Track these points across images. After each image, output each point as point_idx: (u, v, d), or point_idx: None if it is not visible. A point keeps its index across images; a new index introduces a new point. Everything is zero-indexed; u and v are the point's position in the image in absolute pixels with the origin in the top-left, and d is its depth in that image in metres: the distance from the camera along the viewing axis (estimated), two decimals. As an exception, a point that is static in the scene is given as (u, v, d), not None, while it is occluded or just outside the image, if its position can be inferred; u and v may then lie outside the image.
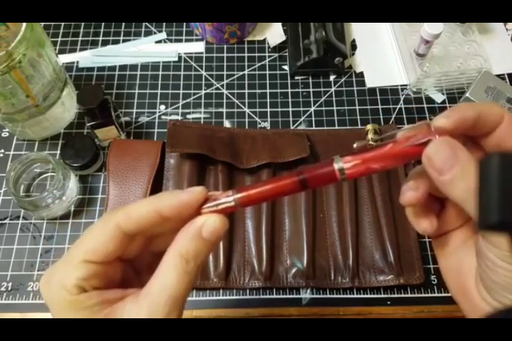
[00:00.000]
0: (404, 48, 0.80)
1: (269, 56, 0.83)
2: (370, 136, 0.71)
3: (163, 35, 0.84)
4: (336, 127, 0.76)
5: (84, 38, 0.84)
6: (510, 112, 0.72)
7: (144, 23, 0.85)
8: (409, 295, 0.64)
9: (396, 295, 0.64)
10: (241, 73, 0.81)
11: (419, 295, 0.64)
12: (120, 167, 0.67)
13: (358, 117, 0.77)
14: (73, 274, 0.32)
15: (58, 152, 0.72)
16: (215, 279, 0.63)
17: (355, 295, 0.64)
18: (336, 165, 0.33)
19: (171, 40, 0.84)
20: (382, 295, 0.64)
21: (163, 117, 0.77)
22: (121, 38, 0.84)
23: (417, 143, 0.33)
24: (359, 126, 0.76)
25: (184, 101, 0.78)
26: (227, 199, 0.34)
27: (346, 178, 0.34)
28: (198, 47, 0.83)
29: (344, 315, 0.63)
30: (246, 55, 0.83)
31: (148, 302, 0.31)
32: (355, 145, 0.35)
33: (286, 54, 0.82)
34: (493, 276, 0.31)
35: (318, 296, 0.64)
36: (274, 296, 0.64)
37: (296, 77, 0.81)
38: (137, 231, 0.33)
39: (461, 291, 0.35)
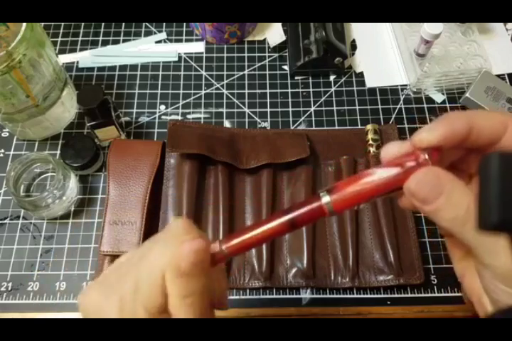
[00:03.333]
0: (404, 48, 0.80)
1: (269, 56, 0.83)
2: (370, 136, 0.71)
3: (163, 35, 0.84)
4: (336, 127, 0.76)
5: (84, 38, 0.84)
6: (511, 112, 0.73)
7: (144, 23, 0.85)
8: (409, 295, 0.64)
9: (396, 295, 0.64)
10: (241, 73, 0.81)
11: (419, 295, 0.64)
12: (120, 167, 0.67)
13: (358, 117, 0.77)
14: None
15: (58, 152, 0.72)
16: (215, 279, 0.63)
17: (355, 295, 0.64)
18: (324, 201, 0.33)
19: (171, 40, 0.84)
20: (382, 295, 0.64)
21: (163, 117, 0.77)
22: (121, 38, 0.84)
23: (403, 172, 0.31)
24: (359, 126, 0.76)
25: (184, 101, 0.78)
26: (215, 249, 0.35)
27: (335, 213, 0.33)
28: (198, 47, 0.83)
29: (344, 315, 0.63)
30: (246, 55, 0.83)
31: None
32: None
33: (286, 54, 0.82)
34: (496, 297, 0.31)
35: (318, 296, 0.64)
36: (274, 296, 0.64)
37: (296, 77, 0.81)
38: None
39: (476, 296, 0.34)
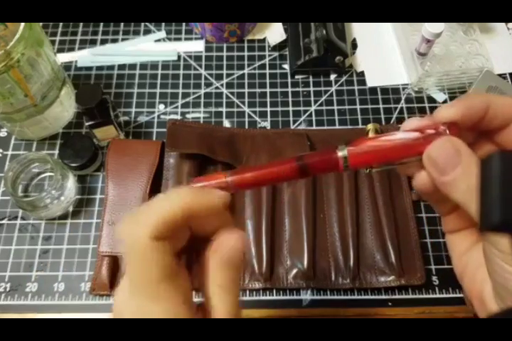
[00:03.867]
0: (405, 47, 0.80)
1: (269, 55, 0.82)
2: (371, 135, 0.71)
3: (162, 34, 0.83)
4: (337, 127, 0.76)
5: (82, 37, 0.83)
6: None
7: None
8: (411, 296, 0.63)
9: (397, 296, 0.63)
10: (241, 72, 0.80)
11: (421, 296, 0.63)
12: (119, 167, 0.67)
13: (359, 117, 0.76)
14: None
15: (57, 152, 0.72)
16: (214, 280, 0.63)
17: (356, 296, 0.63)
18: (340, 153, 0.33)
19: (170, 39, 0.83)
20: (383, 296, 0.63)
21: (162, 117, 0.76)
22: (120, 36, 0.83)
23: (423, 137, 0.32)
24: (360, 126, 0.75)
25: (183, 101, 0.78)
26: (221, 180, 0.34)
27: (348, 168, 0.33)
28: (198, 46, 0.83)
29: (345, 316, 0.62)
30: (246, 54, 0.82)
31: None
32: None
33: (287, 53, 0.82)
34: (503, 282, 0.30)
35: (318, 297, 0.63)
36: (275, 297, 0.63)
37: (297, 76, 0.80)
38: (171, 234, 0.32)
39: (476, 295, 0.34)
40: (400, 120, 0.76)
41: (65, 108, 0.73)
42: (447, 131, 0.32)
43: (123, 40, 0.83)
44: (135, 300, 0.31)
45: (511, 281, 0.30)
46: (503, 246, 0.29)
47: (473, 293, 0.35)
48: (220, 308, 0.33)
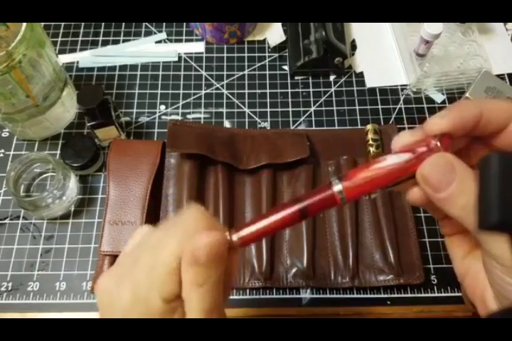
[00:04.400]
0: (404, 48, 0.80)
1: (269, 56, 0.83)
2: (370, 136, 0.71)
3: (163, 35, 0.84)
4: (336, 127, 0.76)
5: (84, 38, 0.84)
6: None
7: (144, 23, 0.85)
8: (409, 295, 0.64)
9: (396, 295, 0.64)
10: (241, 73, 0.81)
11: (419, 295, 0.64)
12: (120, 167, 0.67)
13: (358, 117, 0.77)
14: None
15: (58, 152, 0.72)
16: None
17: (355, 295, 0.64)
18: (336, 189, 0.33)
19: (171, 40, 0.84)
20: (382, 295, 0.64)
21: (163, 117, 0.77)
22: (122, 38, 0.84)
23: (415, 157, 0.31)
24: (359, 126, 0.76)
25: (184, 102, 0.78)
26: (225, 239, 0.34)
27: (346, 201, 0.33)
28: (198, 47, 0.83)
29: (344, 315, 0.63)
30: (246, 55, 0.83)
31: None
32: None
33: (286, 54, 0.82)
34: (503, 292, 0.30)
35: (318, 296, 0.64)
36: (274, 296, 0.64)
37: (296, 77, 0.81)
38: None
39: (479, 296, 0.34)
40: (399, 120, 0.76)
41: (66, 108, 0.73)
42: (439, 145, 0.31)
43: (124, 41, 0.83)
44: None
45: (511, 292, 0.30)
46: (503, 259, 0.29)
47: (475, 294, 0.34)
48: (195, 306, 0.34)
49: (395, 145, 0.33)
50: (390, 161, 0.32)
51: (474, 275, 0.34)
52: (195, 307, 0.33)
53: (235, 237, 0.34)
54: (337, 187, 0.33)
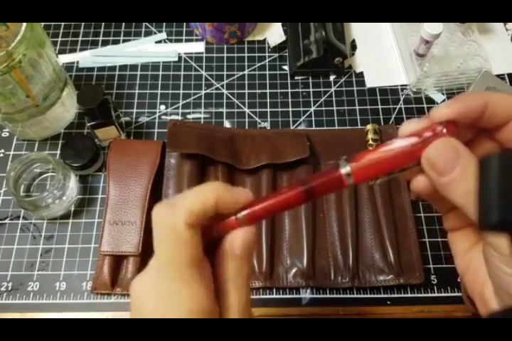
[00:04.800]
0: (404, 48, 0.80)
1: (269, 56, 0.83)
2: (370, 136, 0.71)
3: (163, 35, 0.84)
4: (336, 127, 0.76)
5: (84, 38, 0.84)
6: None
7: (144, 23, 0.85)
8: (409, 295, 0.64)
9: (396, 295, 0.64)
10: (241, 73, 0.81)
11: (419, 295, 0.64)
12: (120, 167, 0.67)
13: (358, 117, 0.77)
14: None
15: (58, 152, 0.72)
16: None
17: (355, 295, 0.64)
18: (343, 171, 0.33)
19: (171, 40, 0.84)
20: (382, 295, 0.64)
21: (163, 117, 0.77)
22: (122, 38, 0.84)
23: (421, 141, 0.32)
24: (359, 126, 0.76)
25: (184, 102, 0.78)
26: (231, 217, 0.34)
27: (353, 184, 0.33)
28: (198, 47, 0.83)
29: (344, 315, 0.63)
30: (246, 55, 0.83)
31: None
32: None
33: (286, 54, 0.82)
34: (501, 284, 0.30)
35: (318, 296, 0.64)
36: (274, 296, 0.64)
37: (296, 77, 0.81)
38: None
39: (478, 292, 0.34)
40: (399, 120, 0.76)
41: (66, 108, 0.73)
42: (444, 131, 0.31)
43: (124, 41, 0.83)
44: (164, 282, 0.32)
45: (509, 283, 0.30)
46: (502, 248, 0.29)
47: (475, 289, 0.35)
48: (233, 303, 0.34)
49: (402, 131, 0.33)
50: (397, 144, 0.32)
51: (475, 270, 0.34)
52: (233, 304, 0.34)
53: (240, 216, 0.34)
54: (344, 169, 0.33)
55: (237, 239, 0.33)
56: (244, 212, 0.34)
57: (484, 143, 0.35)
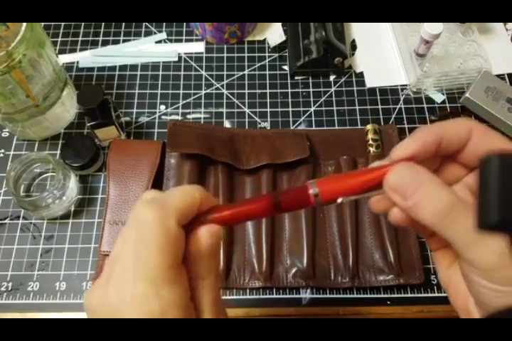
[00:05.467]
0: (404, 48, 0.80)
1: (269, 56, 0.83)
2: (370, 136, 0.71)
3: (163, 35, 0.84)
4: (336, 127, 0.76)
5: (84, 38, 0.84)
6: (511, 112, 0.73)
7: (144, 23, 0.85)
8: (409, 295, 0.64)
9: (396, 295, 0.64)
10: (241, 73, 0.81)
11: (419, 295, 0.64)
12: (120, 167, 0.67)
13: (358, 117, 0.77)
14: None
15: (58, 152, 0.72)
16: (215, 279, 0.63)
17: (355, 295, 0.64)
18: (312, 191, 0.34)
19: (171, 40, 0.84)
20: (382, 295, 0.64)
21: (163, 117, 0.77)
22: (122, 38, 0.84)
23: (383, 166, 0.33)
24: (359, 126, 0.76)
25: (184, 102, 0.78)
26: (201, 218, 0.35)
27: (320, 202, 0.34)
28: (198, 47, 0.83)
29: (344, 315, 0.63)
30: (246, 55, 0.83)
31: None
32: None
33: (286, 54, 0.82)
34: (483, 298, 0.31)
35: (318, 296, 0.64)
36: (274, 296, 0.64)
37: (296, 77, 0.81)
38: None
39: (461, 307, 0.35)
40: (399, 120, 0.76)
41: (66, 108, 0.73)
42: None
43: (124, 41, 0.83)
44: (145, 285, 0.31)
45: (489, 296, 0.30)
46: (480, 263, 0.30)
47: (457, 304, 0.35)
48: (206, 302, 0.34)
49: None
50: (360, 170, 0.34)
51: (456, 285, 0.35)
52: (206, 302, 0.34)
53: (209, 217, 0.35)
54: (312, 184, 0.34)
55: (202, 238, 0.33)
56: (214, 215, 0.35)
57: (451, 168, 0.36)
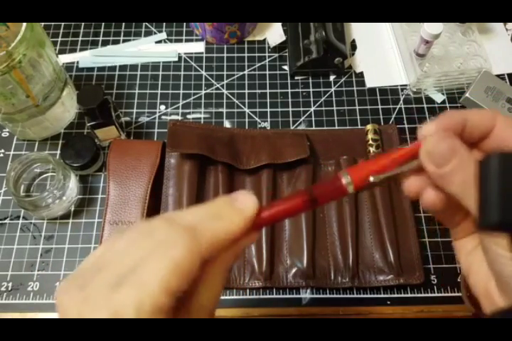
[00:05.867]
0: (404, 48, 0.80)
1: (269, 56, 0.83)
2: (370, 136, 0.71)
3: (163, 35, 0.84)
4: (336, 127, 0.76)
5: (84, 38, 0.84)
6: (510, 112, 0.73)
7: (144, 23, 0.85)
8: (409, 294, 0.64)
9: (396, 295, 0.64)
10: (241, 73, 0.81)
11: (419, 295, 0.64)
12: (120, 167, 0.67)
13: (358, 117, 0.77)
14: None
15: (58, 152, 0.72)
16: (215, 279, 0.63)
17: (355, 295, 0.64)
18: (344, 180, 0.34)
19: (171, 40, 0.84)
20: (382, 295, 0.64)
21: (163, 117, 0.77)
22: (122, 38, 0.84)
23: (413, 145, 0.33)
24: (359, 126, 0.76)
25: (184, 102, 0.78)
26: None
27: (354, 190, 0.34)
28: (198, 47, 0.83)
29: (344, 315, 0.63)
30: (246, 55, 0.83)
31: None
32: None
33: (286, 54, 0.82)
34: (502, 272, 0.31)
35: (318, 296, 0.64)
36: (274, 296, 0.64)
37: (296, 77, 0.81)
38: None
39: (482, 291, 0.35)
40: (399, 120, 0.76)
41: (66, 108, 0.73)
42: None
43: (124, 41, 0.83)
44: (130, 310, 0.28)
45: (508, 266, 0.30)
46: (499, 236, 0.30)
47: (478, 291, 0.35)
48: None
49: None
50: (394, 150, 0.34)
51: (476, 270, 0.35)
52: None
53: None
54: (344, 173, 0.34)
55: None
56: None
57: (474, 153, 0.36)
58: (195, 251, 0.30)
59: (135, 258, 0.30)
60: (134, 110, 0.77)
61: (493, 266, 0.32)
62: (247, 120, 0.77)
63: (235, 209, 0.34)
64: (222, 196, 0.35)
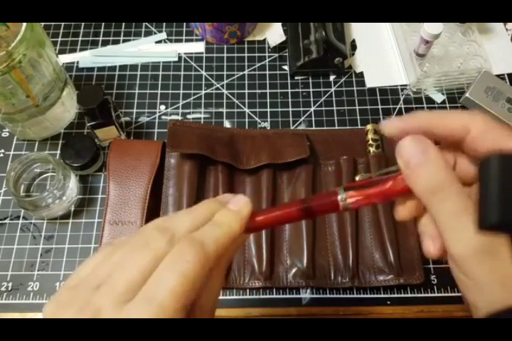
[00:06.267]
0: (404, 48, 0.80)
1: (269, 56, 0.83)
2: (370, 136, 0.71)
3: (163, 35, 0.84)
4: (336, 127, 0.76)
5: (84, 38, 0.84)
6: (511, 112, 0.73)
7: (144, 23, 0.85)
8: (409, 294, 0.64)
9: (396, 295, 0.64)
10: (241, 73, 0.81)
11: (419, 295, 0.64)
12: (120, 167, 0.67)
13: (358, 117, 0.77)
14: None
15: (58, 152, 0.72)
16: (215, 279, 0.63)
17: (355, 295, 0.64)
18: (339, 197, 0.34)
19: (171, 40, 0.84)
20: (382, 295, 0.64)
21: (163, 117, 0.77)
22: (122, 38, 0.84)
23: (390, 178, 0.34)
24: (359, 126, 0.76)
25: (184, 102, 0.78)
26: None
27: (348, 209, 0.35)
28: (198, 47, 0.83)
29: (344, 315, 0.63)
30: (246, 55, 0.83)
31: None
32: (357, 178, 0.37)
33: (286, 54, 0.82)
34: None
35: (318, 296, 0.64)
36: (274, 296, 0.64)
37: (296, 77, 0.81)
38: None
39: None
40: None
41: (66, 108, 0.73)
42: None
43: (124, 41, 0.83)
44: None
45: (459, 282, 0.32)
46: (448, 247, 0.31)
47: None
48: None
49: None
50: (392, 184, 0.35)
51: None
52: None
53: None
54: (341, 196, 0.35)
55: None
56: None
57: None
58: (206, 264, 0.30)
59: (138, 273, 0.30)
60: (134, 110, 0.77)
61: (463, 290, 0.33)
62: (247, 120, 0.77)
63: (230, 212, 0.34)
64: (206, 200, 0.35)
